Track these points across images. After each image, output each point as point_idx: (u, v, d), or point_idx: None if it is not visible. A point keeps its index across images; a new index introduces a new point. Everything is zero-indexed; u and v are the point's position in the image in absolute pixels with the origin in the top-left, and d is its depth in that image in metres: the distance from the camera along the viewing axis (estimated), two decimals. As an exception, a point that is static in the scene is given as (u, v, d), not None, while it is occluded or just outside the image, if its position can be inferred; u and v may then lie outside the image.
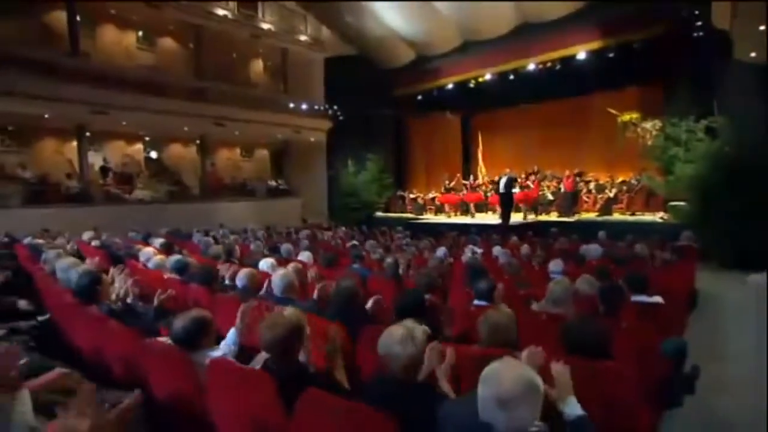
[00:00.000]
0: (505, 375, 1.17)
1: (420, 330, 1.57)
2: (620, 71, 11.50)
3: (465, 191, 14.31)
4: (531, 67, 12.85)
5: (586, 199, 12.40)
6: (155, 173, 14.14)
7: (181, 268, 3.88)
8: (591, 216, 11.53)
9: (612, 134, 12.46)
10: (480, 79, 13.99)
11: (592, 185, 12.68)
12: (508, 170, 11.87)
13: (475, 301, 3.14)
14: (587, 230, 9.38)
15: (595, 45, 11.58)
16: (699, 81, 9.34)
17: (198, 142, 14.52)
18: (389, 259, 4.23)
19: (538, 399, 1.17)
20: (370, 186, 15.25)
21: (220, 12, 13.96)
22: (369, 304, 2.50)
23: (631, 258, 5.47)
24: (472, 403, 1.31)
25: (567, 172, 12.31)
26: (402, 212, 15.38)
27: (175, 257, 4.21)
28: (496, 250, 5.54)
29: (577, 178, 12.47)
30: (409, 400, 1.45)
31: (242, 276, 3.22)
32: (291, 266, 3.35)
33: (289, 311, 1.72)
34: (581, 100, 13.47)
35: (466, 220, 13.24)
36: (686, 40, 9.63)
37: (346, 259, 5.36)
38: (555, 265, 4.67)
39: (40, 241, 6.35)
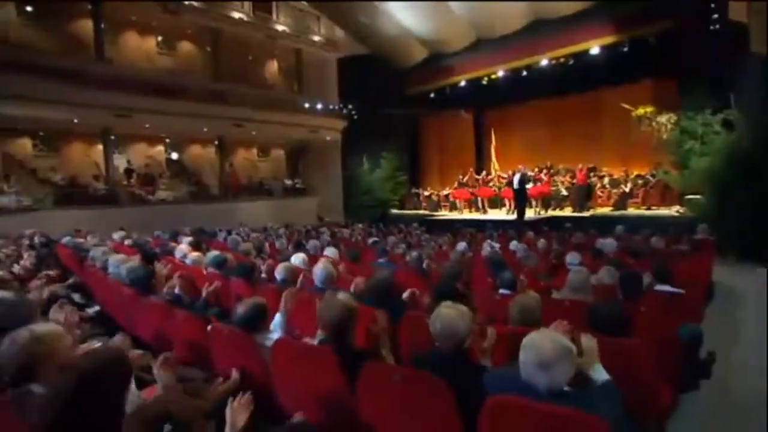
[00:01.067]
0: (543, 341, 1.38)
1: (468, 311, 1.79)
2: (634, 65, 11.47)
3: (477, 186, 14.45)
4: (543, 63, 12.91)
5: (600, 194, 12.42)
6: (176, 174, 14.56)
7: (220, 264, 4.14)
8: (605, 211, 11.59)
9: (626, 129, 12.45)
10: (493, 76, 14.09)
11: (606, 180, 12.68)
12: (521, 166, 11.98)
13: (501, 290, 3.35)
14: (602, 225, 9.46)
15: (608, 40, 11.59)
16: (715, 74, 9.29)
17: (216, 142, 14.90)
18: (414, 253, 4.45)
19: (572, 361, 1.37)
20: (384, 184, 15.48)
21: (236, 15, 14.29)
22: (405, 295, 2.72)
23: (648, 251, 5.59)
24: (513, 371, 1.53)
25: (580, 166, 12.36)
26: (416, 209, 15.57)
27: (213, 253, 4.48)
28: (514, 244, 5.72)
29: (591, 173, 12.51)
30: (459, 371, 1.67)
31: (281, 270, 3.46)
32: (325, 261, 3.58)
33: (342, 295, 1.94)
34: (594, 95, 13.44)
35: (480, 216, 13.38)
36: (702, 33, 9.61)
37: (369, 255, 5.59)
38: (572, 257, 4.83)
39: (81, 240, 6.68)
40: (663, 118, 10.85)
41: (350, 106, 15.65)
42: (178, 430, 0.97)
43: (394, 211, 15.61)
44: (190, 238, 7.70)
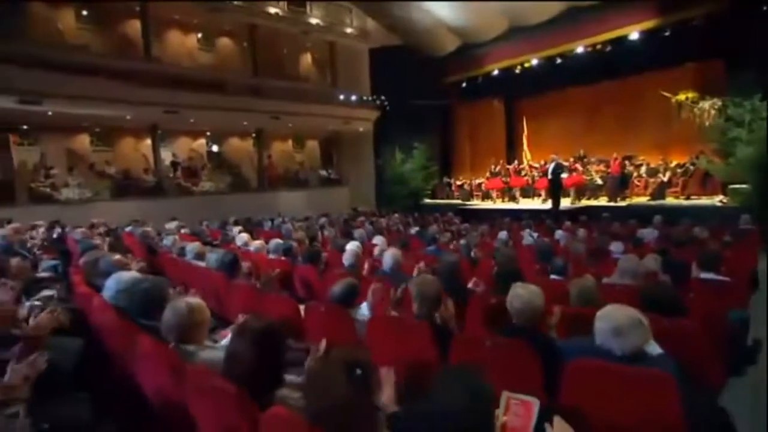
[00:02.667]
0: (618, 312, 1.66)
1: (540, 291, 2.08)
2: (676, 50, 11.13)
3: (509, 176, 14.49)
4: (579, 50, 12.76)
5: (637, 184, 12.25)
6: (217, 166, 15.23)
7: (286, 251, 4.54)
8: (643, 200, 11.47)
9: (664, 115, 12.21)
10: (526, 65, 14.01)
11: (643, 169, 12.48)
12: (554, 156, 11.97)
13: (552, 276, 3.60)
14: (640, 214, 9.43)
15: (649, 24, 11.32)
16: (765, 58, 8.99)
17: (254, 135, 15.45)
18: (463, 242, 4.73)
19: (643, 330, 1.64)
20: (416, 174, 15.71)
21: (272, 10, 14.66)
22: (471, 284, 3.02)
23: (690, 240, 5.67)
24: (586, 340, 1.81)
25: (614, 155, 12.22)
26: (448, 199, 15.75)
27: (276, 241, 4.89)
28: (559, 233, 5.90)
29: (626, 162, 12.32)
30: (534, 342, 1.96)
31: (348, 256, 3.82)
32: (393, 249, 3.91)
33: (430, 276, 2.26)
34: (631, 82, 13.14)
35: (513, 205, 13.46)
36: (752, 14, 9.27)
37: (415, 243, 5.90)
38: (616, 246, 5.01)
39: (147, 229, 7.27)
40: (706, 104, 10.62)
41: (382, 97, 15.87)
42: (366, 374, 1.20)
43: (426, 200, 15.84)
44: (240, 227, 8.24)
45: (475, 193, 15.31)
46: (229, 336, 2.33)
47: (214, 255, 3.88)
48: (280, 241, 4.93)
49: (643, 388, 1.55)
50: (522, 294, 2.04)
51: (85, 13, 12.45)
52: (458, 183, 15.91)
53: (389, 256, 3.43)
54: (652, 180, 11.78)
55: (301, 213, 12.39)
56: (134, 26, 12.90)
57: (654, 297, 2.34)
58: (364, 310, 2.53)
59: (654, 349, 1.95)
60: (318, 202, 14.66)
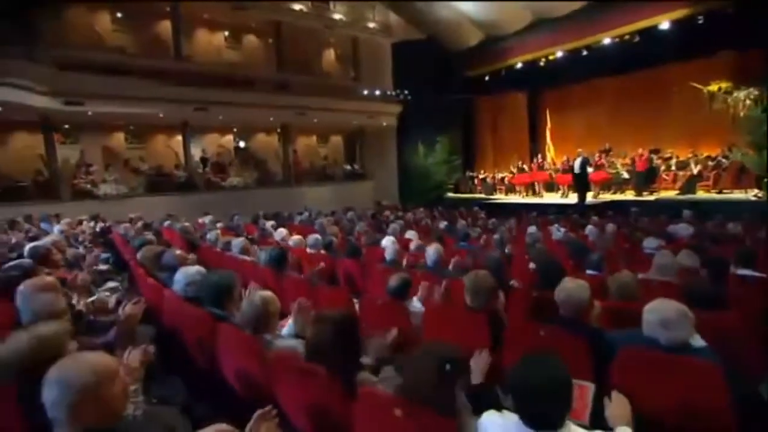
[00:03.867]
0: (666, 305, 1.80)
1: (586, 284, 2.22)
2: (709, 39, 10.76)
3: (532, 171, 14.45)
4: (606, 41, 12.54)
5: (666, 177, 12.04)
6: (244, 161, 15.60)
7: (327, 246, 4.75)
8: (672, 194, 11.29)
9: (694, 107, 11.94)
10: (550, 57, 13.86)
11: (672, 162, 12.26)
12: (581, 150, 11.88)
13: (588, 271, 3.71)
14: (668, 209, 9.34)
15: (681, 13, 11.04)
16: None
17: (279, 130, 15.75)
18: (497, 236, 4.85)
19: (690, 323, 1.77)
20: (439, 168, 15.80)
21: (296, 7, 14.86)
22: (513, 281, 3.17)
23: (725, 237, 5.65)
24: (632, 331, 1.96)
25: (640, 151, 12.02)
26: (471, 193, 15.80)
27: (315, 236, 5.11)
28: (589, 228, 5.95)
29: (653, 156, 12.09)
30: (581, 332, 2.11)
31: (389, 252, 4.00)
32: (436, 244, 4.07)
33: (483, 272, 2.42)
34: (658, 72, 12.86)
35: (537, 199, 13.44)
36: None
37: (445, 238, 6.05)
38: (649, 241, 5.04)
39: (187, 224, 7.60)
40: (741, 94, 10.34)
41: (405, 91, 15.94)
42: (456, 369, 1.37)
43: (450, 194, 15.92)
44: (272, 222, 8.53)
45: (498, 187, 15.31)
46: (287, 325, 2.56)
47: (264, 251, 4.11)
48: (318, 236, 5.14)
49: (692, 376, 1.68)
50: (571, 287, 2.18)
51: (119, 15, 12.91)
52: (481, 177, 15.92)
53: (432, 251, 3.60)
54: (681, 173, 11.56)
55: (326, 207, 12.64)
56: (165, 26, 13.29)
57: (697, 292, 2.44)
58: (416, 302, 2.71)
59: (698, 341, 2.07)
60: (342, 196, 14.89)
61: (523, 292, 2.90)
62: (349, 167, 16.90)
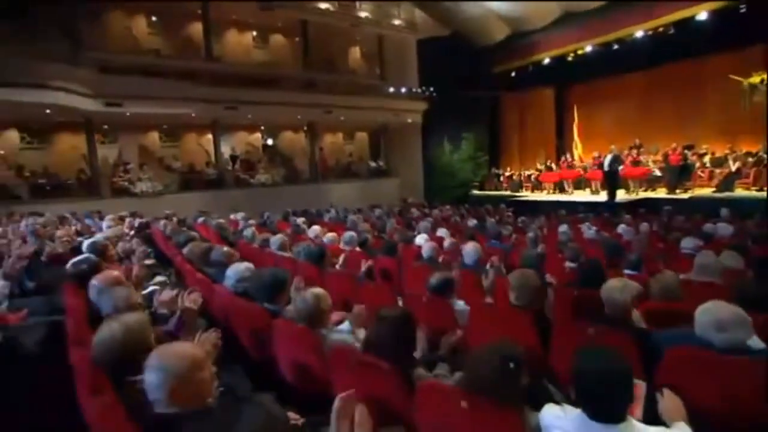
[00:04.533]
0: (721, 307, 1.82)
1: (632, 284, 2.26)
2: (751, 29, 10.27)
3: (561, 169, 14.24)
4: (639, 34, 12.20)
5: (701, 174, 11.67)
6: (271, 158, 15.93)
7: (362, 243, 4.87)
8: (707, 192, 10.94)
9: (731, 100, 11.53)
10: (579, 52, 13.60)
11: (706, 158, 11.87)
12: (612, 147, 11.64)
13: (626, 271, 3.70)
14: (704, 207, 9.08)
15: (720, 3, 10.62)
16: None
17: (305, 128, 15.99)
18: (531, 235, 4.87)
19: (747, 325, 1.79)
20: (465, 165, 15.75)
21: (322, 5, 15.01)
22: (549, 279, 3.22)
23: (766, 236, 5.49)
24: (681, 331, 1.99)
25: (674, 145, 11.68)
26: (497, 190, 15.68)
27: (351, 233, 5.23)
28: (622, 227, 5.88)
29: (686, 152, 11.72)
30: (630, 331, 2.15)
31: (426, 249, 4.09)
32: (473, 243, 4.14)
33: (531, 272, 2.48)
34: (692, 65, 12.41)
35: (565, 197, 13.24)
36: None
37: (478, 236, 6.08)
38: (687, 241, 4.95)
39: (221, 220, 7.88)
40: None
41: (431, 88, 15.93)
42: (519, 367, 1.44)
43: (475, 192, 15.85)
44: (303, 219, 8.72)
45: (525, 184, 15.15)
46: (345, 323, 2.68)
47: (301, 248, 4.25)
48: (353, 234, 5.26)
49: (751, 378, 1.71)
50: (617, 287, 2.22)
51: (154, 18, 13.37)
52: (507, 174, 15.79)
53: (472, 250, 3.66)
54: (718, 170, 11.18)
55: (352, 204, 12.80)
56: (196, 28, 13.67)
57: (748, 293, 2.43)
58: (459, 300, 2.79)
59: (756, 343, 2.06)
60: (367, 193, 15.04)
61: (563, 290, 2.94)
62: (374, 164, 17.03)
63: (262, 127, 16.30)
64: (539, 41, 14.30)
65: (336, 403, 1.06)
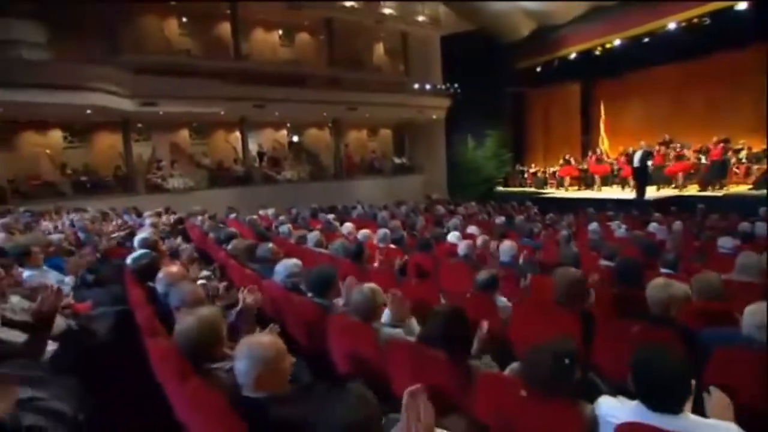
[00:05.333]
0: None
1: (675, 283, 2.32)
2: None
3: (587, 164, 14.03)
4: (671, 26, 11.88)
5: (737, 171, 11.32)
6: (297, 155, 16.20)
7: (398, 240, 5.00)
8: (743, 189, 10.62)
9: (768, 94, 11.09)
10: (607, 45, 13.33)
11: (742, 154, 11.50)
12: (643, 143, 11.41)
13: (662, 270, 3.72)
14: (740, 205, 8.84)
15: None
16: None
17: (330, 125, 16.19)
18: (564, 233, 4.91)
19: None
20: (489, 161, 15.69)
21: (347, 3, 15.12)
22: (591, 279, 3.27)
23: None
24: (729, 331, 2.05)
25: (715, 139, 11.34)
26: (521, 187, 15.56)
27: (384, 230, 5.36)
28: (654, 226, 5.83)
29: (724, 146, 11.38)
30: (675, 329, 2.21)
31: (463, 246, 4.18)
32: (509, 241, 4.22)
33: (573, 270, 2.56)
34: (726, 57, 11.93)
35: (592, 194, 13.06)
36: None
37: (509, 234, 6.13)
38: (724, 241, 4.91)
39: (254, 217, 8.12)
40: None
41: (455, 85, 15.88)
42: (573, 363, 1.53)
43: (499, 188, 15.77)
44: (332, 215, 8.90)
45: (550, 181, 15.00)
46: (384, 314, 2.80)
47: (338, 244, 4.41)
48: (387, 230, 5.38)
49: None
50: (662, 286, 2.29)
51: (185, 19, 13.75)
52: (532, 171, 15.65)
53: (508, 248, 3.75)
54: (756, 167, 10.83)
55: (377, 200, 12.92)
56: (225, 28, 13.99)
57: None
58: (501, 297, 2.89)
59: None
60: (392, 189, 15.14)
61: (603, 289, 3.00)
62: (398, 160, 17.12)
63: (288, 125, 16.57)
64: (565, 36, 14.09)
65: (405, 398, 1.18)
